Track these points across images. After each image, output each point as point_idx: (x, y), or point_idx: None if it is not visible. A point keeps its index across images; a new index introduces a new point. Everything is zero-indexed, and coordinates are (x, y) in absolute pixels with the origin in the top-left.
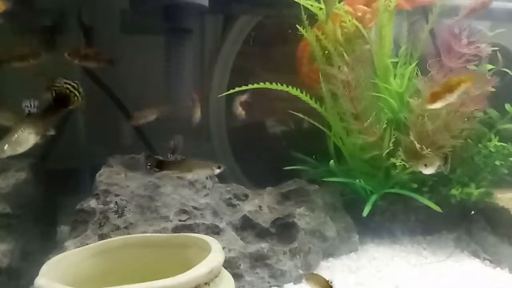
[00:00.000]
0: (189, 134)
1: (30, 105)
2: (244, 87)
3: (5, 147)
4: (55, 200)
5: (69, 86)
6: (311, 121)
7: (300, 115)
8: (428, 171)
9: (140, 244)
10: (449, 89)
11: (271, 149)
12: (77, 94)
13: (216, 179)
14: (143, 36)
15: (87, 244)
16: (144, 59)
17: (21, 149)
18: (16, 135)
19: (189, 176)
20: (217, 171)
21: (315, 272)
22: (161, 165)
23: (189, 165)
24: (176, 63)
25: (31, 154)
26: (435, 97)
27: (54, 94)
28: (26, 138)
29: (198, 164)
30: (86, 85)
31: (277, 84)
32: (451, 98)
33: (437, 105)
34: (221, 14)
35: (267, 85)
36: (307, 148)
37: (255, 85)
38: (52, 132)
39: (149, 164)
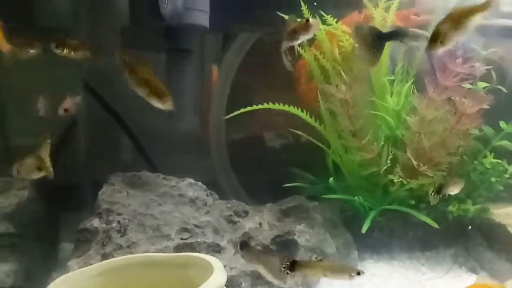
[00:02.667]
0: (188, 149)
1: None
2: (243, 109)
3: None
4: (56, 217)
5: None
6: (310, 138)
7: (300, 132)
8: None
9: (143, 264)
10: None
11: (270, 164)
12: None
13: (216, 196)
14: (144, 54)
15: (90, 264)
16: None
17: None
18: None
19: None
20: (356, 277)
21: None
22: (294, 266)
23: (325, 267)
24: (176, 81)
25: None
26: None
27: None
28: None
29: (335, 267)
30: (87, 101)
31: (276, 102)
32: None
33: None
34: (220, 32)
35: (266, 105)
36: (306, 164)
37: (254, 107)
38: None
39: (284, 266)
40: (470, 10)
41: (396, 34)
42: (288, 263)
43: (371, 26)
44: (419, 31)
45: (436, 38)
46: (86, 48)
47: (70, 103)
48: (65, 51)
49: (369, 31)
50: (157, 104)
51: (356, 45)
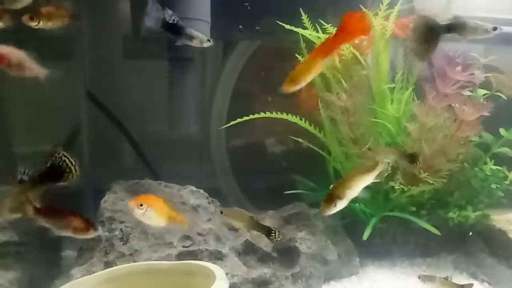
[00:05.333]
0: (190, 155)
1: (24, 173)
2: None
3: None
4: None
5: (66, 160)
6: (311, 146)
7: (301, 139)
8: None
9: (146, 272)
10: None
11: (271, 171)
12: (73, 170)
13: (218, 203)
14: (146, 63)
15: (93, 272)
16: (146, 85)
17: (8, 218)
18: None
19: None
20: None
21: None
22: None
23: None
24: (178, 89)
25: None
26: None
27: (48, 165)
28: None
29: None
30: (90, 108)
31: (276, 109)
32: None
33: None
34: (221, 40)
35: (267, 114)
36: (307, 171)
37: (256, 115)
38: (37, 205)
39: None
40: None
41: (454, 27)
42: None
43: (429, 17)
44: (479, 23)
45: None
46: (64, 14)
47: None
48: (41, 23)
49: (425, 23)
50: None
51: (411, 37)
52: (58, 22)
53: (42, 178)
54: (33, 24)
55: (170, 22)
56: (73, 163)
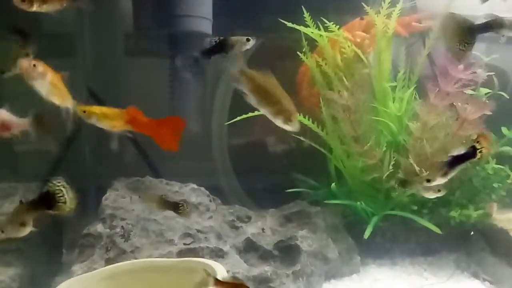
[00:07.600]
0: (191, 154)
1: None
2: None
3: None
4: (60, 221)
5: (62, 189)
6: (313, 144)
7: (302, 138)
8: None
9: (147, 269)
10: None
11: (273, 169)
12: (66, 201)
13: (219, 201)
14: (149, 60)
15: (94, 269)
16: (149, 82)
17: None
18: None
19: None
20: None
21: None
22: None
23: None
24: (180, 87)
25: (37, 176)
26: None
27: (43, 192)
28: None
29: None
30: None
31: None
32: None
33: None
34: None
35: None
36: (309, 169)
37: (256, 113)
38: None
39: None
40: None
41: (491, 26)
42: None
43: (463, 16)
44: None
45: None
46: None
47: None
48: (35, 5)
49: (461, 23)
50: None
51: (444, 37)
52: (56, 4)
53: (36, 204)
54: (25, 6)
55: (212, 45)
56: (68, 194)
